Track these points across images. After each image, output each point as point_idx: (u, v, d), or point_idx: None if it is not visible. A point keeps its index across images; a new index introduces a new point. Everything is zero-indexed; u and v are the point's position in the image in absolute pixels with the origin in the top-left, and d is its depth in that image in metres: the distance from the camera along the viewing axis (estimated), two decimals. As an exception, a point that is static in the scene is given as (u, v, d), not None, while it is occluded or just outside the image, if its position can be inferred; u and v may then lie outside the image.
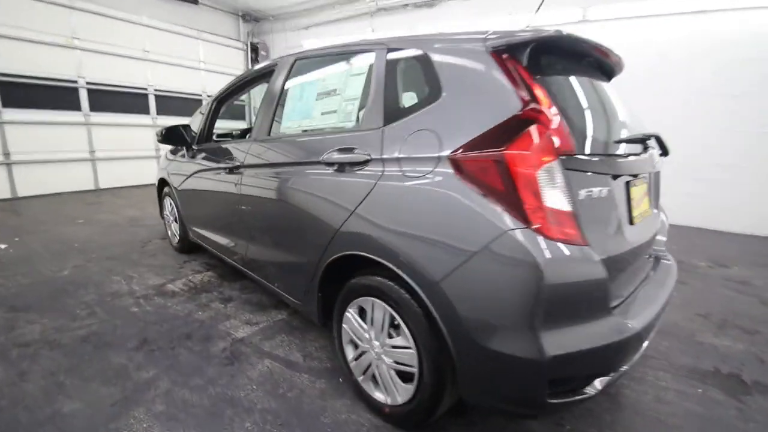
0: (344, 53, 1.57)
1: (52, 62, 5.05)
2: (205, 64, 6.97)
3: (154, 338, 1.78)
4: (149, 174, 6.30)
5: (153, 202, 5.40)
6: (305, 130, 1.66)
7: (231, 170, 1.95)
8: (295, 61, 1.76)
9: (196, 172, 2.44)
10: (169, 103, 6.44)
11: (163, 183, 3.09)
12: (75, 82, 5.34)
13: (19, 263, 2.73)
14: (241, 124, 7.42)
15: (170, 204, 2.99)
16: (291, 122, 1.74)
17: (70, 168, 5.46)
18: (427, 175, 1.06)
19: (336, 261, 1.32)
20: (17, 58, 4.75)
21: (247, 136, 2.10)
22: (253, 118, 8.00)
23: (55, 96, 5.17)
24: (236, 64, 7.58)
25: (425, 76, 1.17)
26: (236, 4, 7.07)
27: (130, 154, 6.06)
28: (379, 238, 1.15)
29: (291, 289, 1.66)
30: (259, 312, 2.07)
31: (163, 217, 3.30)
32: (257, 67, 2.14)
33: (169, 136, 2.49)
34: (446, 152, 1.04)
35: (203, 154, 2.40)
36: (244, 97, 7.55)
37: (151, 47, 6.11)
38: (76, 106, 5.41)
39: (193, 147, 2.52)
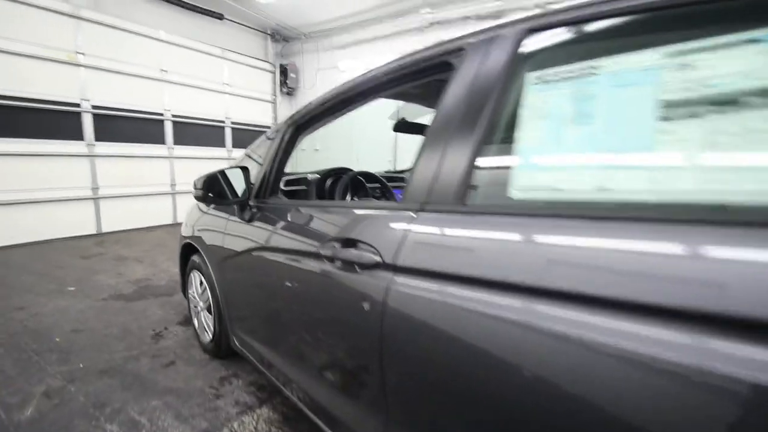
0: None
1: (50, 81, 4.17)
2: (230, 87, 6.12)
3: None
4: (162, 213, 5.30)
5: (166, 249, 4.30)
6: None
7: (352, 266, 0.92)
8: (530, 31, 0.76)
9: (257, 249, 1.41)
10: (187, 131, 5.55)
11: (190, 248, 2.05)
12: (78, 105, 4.46)
13: (-46, 391, 1.67)
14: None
15: (201, 283, 1.94)
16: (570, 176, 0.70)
17: (68, 209, 4.48)
18: None
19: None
20: (5, 75, 3.87)
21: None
22: (305, 158, 7.33)
23: (52, 122, 4.26)
24: (263, 87, 6.75)
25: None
26: (266, 21, 6.30)
27: (140, 191, 5.09)
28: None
29: None
30: None
31: (186, 297, 2.24)
32: (421, 54, 1.02)
33: (215, 188, 1.46)
34: None
35: (274, 219, 1.37)
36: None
37: (169, 66, 5.27)
38: (77, 135, 4.50)
39: (251, 204, 1.50)
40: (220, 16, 5.89)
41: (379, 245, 0.87)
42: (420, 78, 1.04)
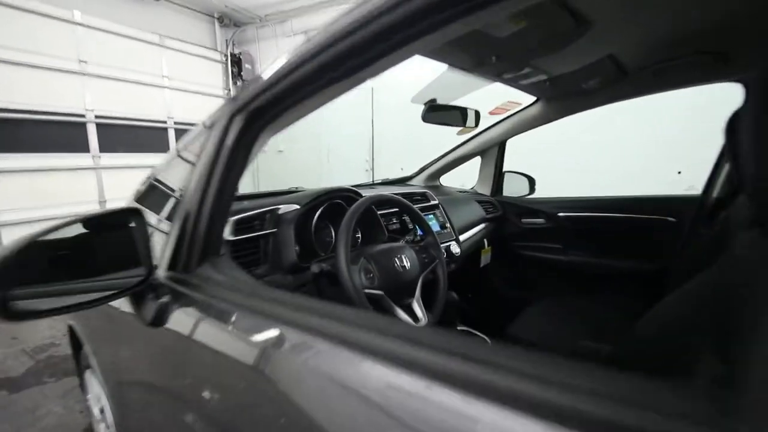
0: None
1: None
2: (170, 80, 5.10)
3: None
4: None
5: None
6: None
7: None
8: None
9: (178, 392, 0.64)
10: (117, 135, 4.50)
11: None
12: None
13: None
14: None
15: (99, 399, 1.13)
16: None
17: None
18: None
19: None
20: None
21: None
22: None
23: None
24: (212, 81, 5.75)
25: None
26: (212, 2, 5.31)
27: (54, 213, 4.01)
28: None
29: None
30: None
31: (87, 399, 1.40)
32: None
33: (39, 262, 0.67)
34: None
35: (210, 328, 0.61)
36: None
37: (90, 56, 4.21)
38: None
39: (160, 281, 0.72)
40: (153, -5, 4.86)
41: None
42: None
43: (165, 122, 5.05)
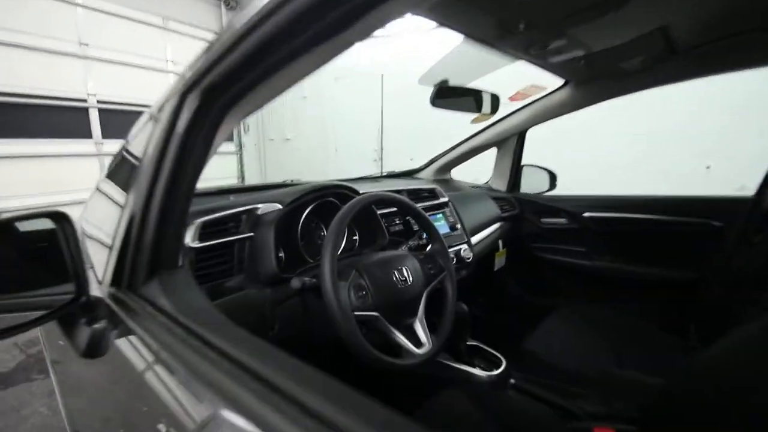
0: None
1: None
2: (175, 65, 4.96)
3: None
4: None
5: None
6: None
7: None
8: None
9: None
10: (121, 121, 4.40)
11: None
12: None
13: None
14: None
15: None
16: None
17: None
18: None
19: None
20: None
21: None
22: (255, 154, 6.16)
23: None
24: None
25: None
26: (217, -18, 5.12)
27: (57, 200, 3.95)
28: None
29: None
30: None
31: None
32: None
33: None
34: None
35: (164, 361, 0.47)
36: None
37: (92, 39, 4.08)
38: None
39: (103, 299, 0.58)
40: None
41: None
42: None
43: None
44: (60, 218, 0.56)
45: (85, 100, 4.12)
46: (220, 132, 0.64)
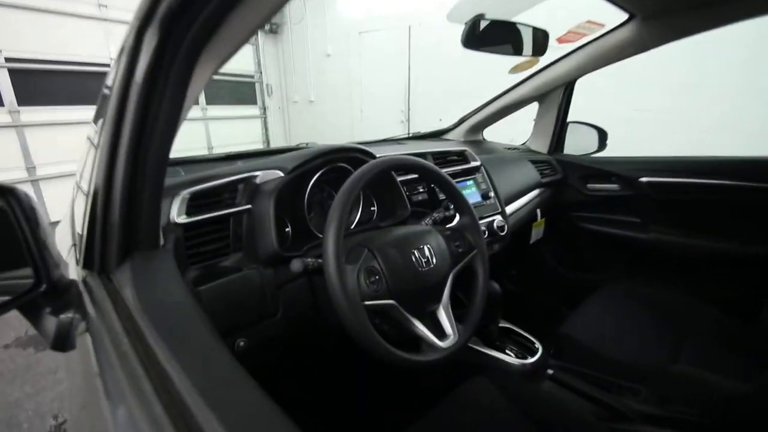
0: None
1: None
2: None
3: None
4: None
5: None
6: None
7: None
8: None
9: None
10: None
11: None
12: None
13: None
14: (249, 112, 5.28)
15: None
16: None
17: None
18: None
19: None
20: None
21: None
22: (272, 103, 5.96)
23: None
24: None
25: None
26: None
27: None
28: None
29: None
30: None
31: None
32: None
33: None
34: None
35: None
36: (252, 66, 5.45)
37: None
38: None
39: (74, 282, 0.50)
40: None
41: None
42: None
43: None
44: (6, 194, 0.47)
45: (107, 65, 4.08)
46: (195, 81, 0.51)
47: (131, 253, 0.53)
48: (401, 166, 0.73)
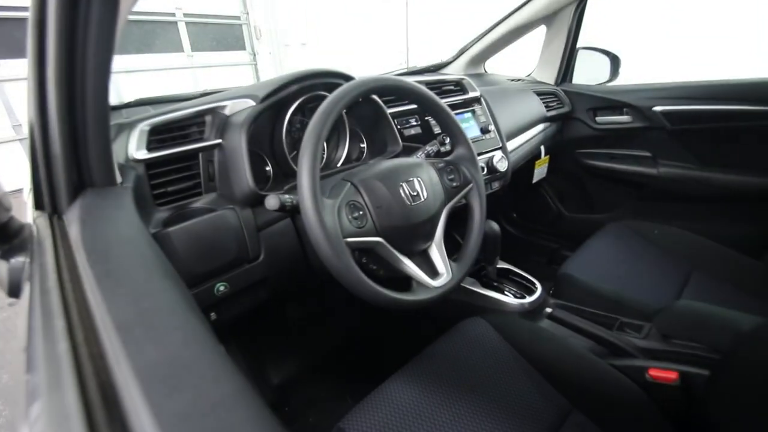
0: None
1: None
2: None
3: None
4: None
5: None
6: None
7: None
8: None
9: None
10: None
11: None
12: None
13: None
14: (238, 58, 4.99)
15: None
16: None
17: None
18: None
19: None
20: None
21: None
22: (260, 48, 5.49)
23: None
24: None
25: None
26: None
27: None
28: None
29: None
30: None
31: None
32: None
33: None
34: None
35: None
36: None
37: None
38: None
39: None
40: None
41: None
42: None
43: (173, 14, 4.50)
44: None
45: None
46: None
47: (84, 191, 0.47)
48: (383, 88, 0.64)
